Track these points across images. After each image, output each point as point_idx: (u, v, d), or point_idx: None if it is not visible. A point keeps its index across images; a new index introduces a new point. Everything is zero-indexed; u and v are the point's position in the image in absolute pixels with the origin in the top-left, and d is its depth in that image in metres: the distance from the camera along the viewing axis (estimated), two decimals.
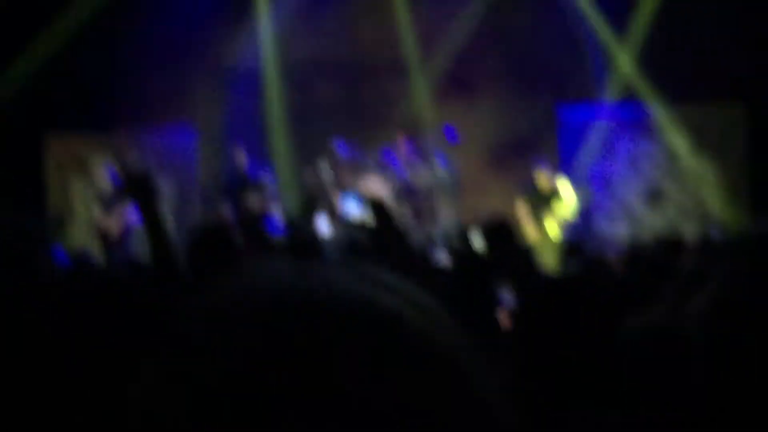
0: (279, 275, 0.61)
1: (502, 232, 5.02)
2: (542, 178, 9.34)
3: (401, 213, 9.57)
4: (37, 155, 10.96)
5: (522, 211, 9.12)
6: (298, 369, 0.54)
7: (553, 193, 9.23)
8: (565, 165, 10.46)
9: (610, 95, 10.85)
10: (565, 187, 9.27)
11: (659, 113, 10.38)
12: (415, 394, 0.55)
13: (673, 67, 10.24)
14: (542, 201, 9.18)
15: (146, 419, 0.57)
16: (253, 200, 9.72)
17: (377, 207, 3.33)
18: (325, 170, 10.05)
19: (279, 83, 11.58)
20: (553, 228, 9.04)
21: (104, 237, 9.70)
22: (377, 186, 9.79)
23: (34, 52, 10.71)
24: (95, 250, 9.47)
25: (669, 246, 5.60)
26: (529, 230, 8.92)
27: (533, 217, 9.08)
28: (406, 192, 9.93)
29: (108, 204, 9.84)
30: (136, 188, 2.77)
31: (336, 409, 0.54)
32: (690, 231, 9.31)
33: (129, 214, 9.38)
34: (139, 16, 11.08)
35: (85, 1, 10.78)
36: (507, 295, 4.09)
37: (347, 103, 11.50)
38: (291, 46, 11.48)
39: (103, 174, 10.08)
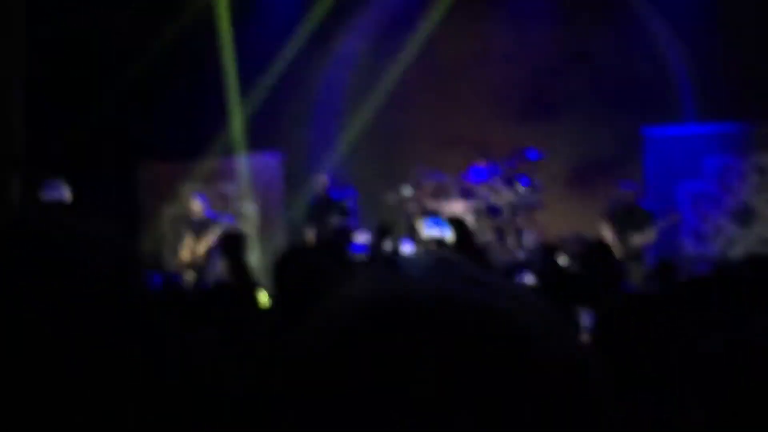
0: (401, 281, 0.62)
1: (602, 251, 4.99)
2: (628, 199, 9.16)
3: (483, 232, 9.56)
4: (132, 181, 11.29)
5: (607, 233, 8.98)
6: (415, 375, 0.55)
7: (638, 215, 9.04)
8: (651, 186, 10.26)
9: (697, 114, 10.63)
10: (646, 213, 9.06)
11: (749, 130, 10.10)
12: (525, 391, 0.55)
13: (762, 84, 9.97)
14: (627, 222, 9.00)
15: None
16: (336, 222, 9.83)
17: (456, 224, 3.37)
18: (408, 194, 10.10)
19: (361, 108, 11.68)
20: (638, 249, 8.86)
21: (193, 261, 9.93)
22: (459, 208, 9.79)
23: (131, 82, 11.07)
24: (184, 273, 9.71)
25: (760, 264, 5.44)
26: (616, 251, 8.73)
27: (618, 239, 8.91)
28: (490, 212, 9.90)
29: (197, 229, 10.08)
30: (228, 246, 2.99)
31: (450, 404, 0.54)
32: None
33: (217, 239, 9.59)
34: (234, 48, 11.38)
35: (177, 32, 11.10)
36: (587, 316, 4.05)
37: (430, 127, 11.52)
38: (373, 70, 11.58)
39: (194, 200, 10.33)
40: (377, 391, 0.55)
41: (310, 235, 9.89)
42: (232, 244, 3.11)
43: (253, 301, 3.08)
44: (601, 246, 4.96)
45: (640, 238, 8.87)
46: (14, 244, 0.85)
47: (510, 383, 0.55)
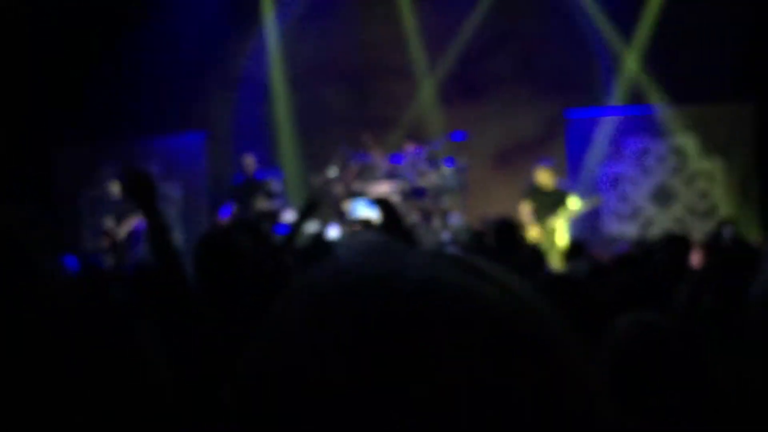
0: (375, 259, 0.61)
1: (509, 230, 5.06)
2: (544, 176, 9.23)
3: (409, 214, 9.63)
4: (47, 165, 11.06)
5: (525, 212, 9.09)
6: (404, 356, 0.54)
7: (557, 193, 9.18)
8: (573, 167, 10.48)
9: (617, 98, 10.87)
10: (572, 197, 9.19)
11: (667, 114, 10.36)
12: (514, 381, 0.54)
13: (680, 68, 10.22)
14: (546, 201, 9.11)
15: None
16: (260, 204, 9.78)
17: (383, 205, 3.37)
18: (333, 175, 10.10)
19: (286, 90, 11.64)
20: (558, 228, 9.00)
21: (113, 243, 9.76)
22: (384, 189, 9.83)
23: (47, 65, 10.82)
24: (105, 255, 9.53)
25: (677, 243, 5.59)
26: (532, 231, 8.88)
27: (538, 218, 9.03)
28: (415, 194, 9.97)
29: (118, 211, 9.91)
30: (136, 188, 2.87)
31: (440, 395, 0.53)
32: (699, 230, 9.31)
33: (138, 222, 9.45)
34: (152, 29, 11.14)
35: (102, 17, 10.88)
36: None
37: (355, 108, 11.53)
38: (298, 53, 11.52)
39: (113, 182, 10.15)
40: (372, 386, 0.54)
41: (231, 215, 9.83)
42: (136, 183, 2.89)
43: (179, 278, 2.99)
44: (507, 225, 5.02)
45: (557, 218, 9.00)
46: None
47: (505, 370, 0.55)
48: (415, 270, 0.59)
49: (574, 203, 9.08)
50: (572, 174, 10.42)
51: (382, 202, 3.42)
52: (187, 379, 2.55)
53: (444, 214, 9.90)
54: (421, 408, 0.53)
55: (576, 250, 6.23)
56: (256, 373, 0.59)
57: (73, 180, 11.14)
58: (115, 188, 10.02)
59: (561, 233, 8.94)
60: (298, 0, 11.51)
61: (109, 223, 9.96)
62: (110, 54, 11.06)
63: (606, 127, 10.49)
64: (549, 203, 9.05)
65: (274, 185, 10.02)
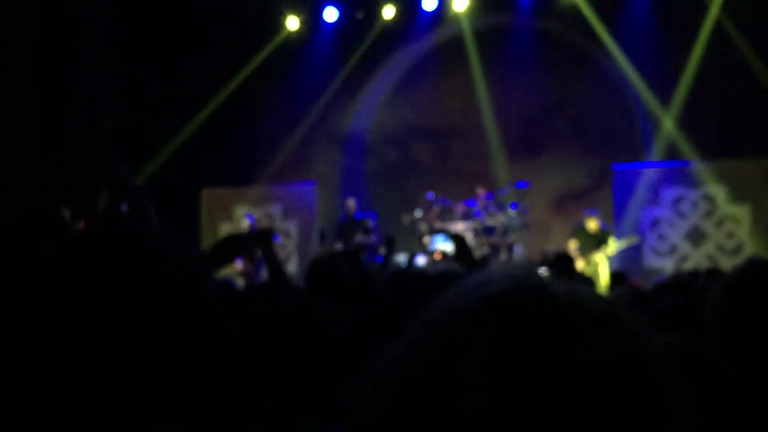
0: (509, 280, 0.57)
1: (564, 261, 4.98)
2: (590, 222, 9.26)
3: (480, 248, 9.58)
4: (194, 204, 11.38)
5: (572, 248, 9.06)
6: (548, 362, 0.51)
7: (600, 235, 9.18)
8: (618, 212, 10.23)
9: (656, 153, 10.63)
10: (610, 243, 9.18)
11: (699, 166, 10.06)
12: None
13: (710, 127, 9.95)
14: (590, 240, 9.11)
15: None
16: (359, 238, 9.87)
17: (458, 239, 3.38)
18: (419, 216, 10.16)
19: (382, 145, 11.76)
20: (600, 262, 8.96)
21: (244, 271, 9.99)
22: (460, 228, 9.83)
23: (192, 123, 11.23)
24: (236, 279, 9.75)
25: (708, 274, 5.41)
26: (579, 264, 8.83)
27: (582, 253, 9.01)
28: (486, 232, 9.92)
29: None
30: (257, 239, 3.03)
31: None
32: (726, 265, 8.94)
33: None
34: (272, 92, 11.49)
35: (229, 82, 11.26)
36: None
37: (438, 161, 11.57)
38: (393, 115, 11.67)
39: (244, 219, 10.41)
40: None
41: (338, 248, 9.94)
42: (261, 236, 3.05)
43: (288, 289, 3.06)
44: (563, 257, 4.94)
45: (599, 254, 8.98)
46: (111, 245, 0.86)
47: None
48: (559, 288, 0.57)
49: (613, 243, 9.09)
50: (618, 217, 10.18)
51: (456, 237, 3.43)
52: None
53: (510, 249, 9.81)
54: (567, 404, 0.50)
55: (618, 279, 6.06)
56: (410, 372, 0.54)
57: (214, 215, 11.42)
58: (245, 224, 10.26)
59: (603, 268, 8.86)
60: (394, 71, 11.69)
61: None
62: (248, 112, 11.42)
63: (647, 178, 10.23)
64: (592, 242, 9.09)
65: (371, 223, 10.11)
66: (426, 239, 9.82)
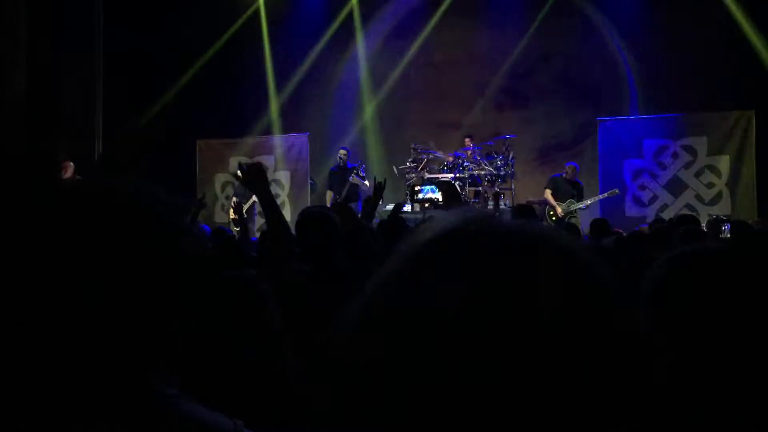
0: (472, 218, 0.57)
1: (527, 211, 5.02)
2: (568, 170, 9.55)
3: (468, 196, 9.59)
4: (191, 154, 11.35)
5: (548, 196, 9.43)
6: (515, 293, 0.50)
7: (575, 185, 9.51)
8: (602, 162, 10.22)
9: (640, 105, 10.58)
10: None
11: (681, 119, 10.04)
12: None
13: (691, 81, 9.89)
14: (568, 188, 9.43)
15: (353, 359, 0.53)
16: (350, 189, 9.84)
17: (445, 185, 3.39)
18: (408, 167, 10.13)
19: (372, 97, 11.67)
20: (573, 208, 9.36)
21: (238, 217, 9.98)
22: (448, 178, 9.82)
23: (191, 79, 11.12)
24: (231, 226, 9.77)
25: (687, 219, 5.49)
26: (558, 209, 9.32)
27: (557, 200, 9.35)
28: (472, 182, 9.91)
29: (241, 194, 10.13)
30: (250, 180, 2.94)
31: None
32: (704, 214, 9.01)
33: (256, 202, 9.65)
34: (272, 50, 11.33)
35: (226, 38, 11.08)
36: None
37: (427, 113, 11.50)
38: (383, 68, 11.54)
39: (239, 170, 10.35)
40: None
41: (329, 197, 9.94)
42: (251, 174, 2.96)
43: (287, 236, 3.03)
44: (526, 207, 4.99)
45: (575, 205, 9.35)
46: (101, 198, 0.86)
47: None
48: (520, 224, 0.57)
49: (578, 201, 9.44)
50: (601, 169, 10.18)
51: (442, 183, 3.43)
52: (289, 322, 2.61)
53: (496, 197, 9.83)
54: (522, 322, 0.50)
55: (600, 226, 6.07)
56: (395, 304, 0.53)
57: (210, 165, 11.40)
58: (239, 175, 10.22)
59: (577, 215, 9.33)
60: (383, 24, 11.52)
61: (233, 202, 10.19)
62: (241, 68, 11.28)
63: (629, 130, 10.21)
64: (569, 191, 9.41)
65: (361, 172, 10.07)
66: (416, 189, 9.81)
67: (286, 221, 3.04)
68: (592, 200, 9.49)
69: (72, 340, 0.79)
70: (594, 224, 6.18)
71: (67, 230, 0.81)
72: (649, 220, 8.90)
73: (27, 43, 7.66)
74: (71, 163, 9.16)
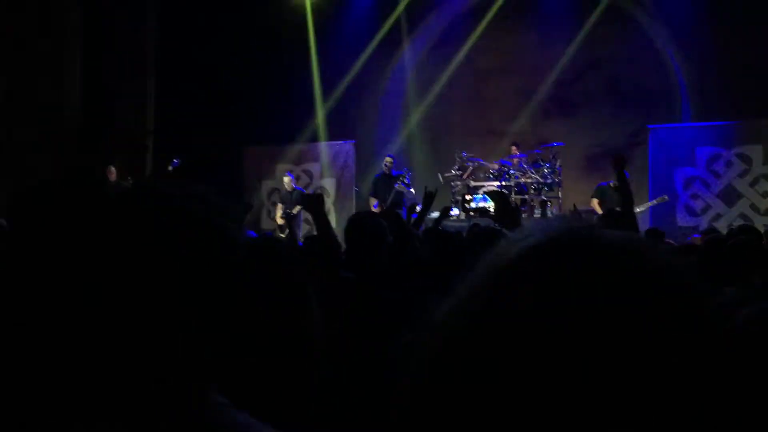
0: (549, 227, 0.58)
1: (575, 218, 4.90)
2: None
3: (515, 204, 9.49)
4: (239, 162, 11.47)
5: (594, 205, 9.17)
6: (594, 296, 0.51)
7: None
8: (653, 171, 9.98)
9: (692, 112, 10.31)
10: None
11: (736, 126, 9.73)
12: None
13: (749, 85, 9.58)
14: (615, 197, 9.05)
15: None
16: (395, 196, 9.83)
17: (499, 196, 3.32)
18: (454, 174, 10.08)
19: (418, 105, 11.65)
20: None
21: (283, 223, 10.08)
22: (494, 186, 9.74)
23: (239, 86, 11.24)
24: (276, 232, 9.85)
25: (743, 230, 5.26)
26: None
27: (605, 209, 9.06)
28: (518, 190, 9.80)
29: (287, 199, 10.21)
30: (310, 206, 3.20)
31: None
32: (760, 224, 8.69)
33: (300, 210, 9.77)
34: (312, 54, 11.41)
35: (273, 45, 11.18)
36: None
37: (473, 120, 11.41)
38: (428, 73, 11.51)
39: (285, 176, 10.45)
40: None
41: (372, 203, 9.95)
42: (312, 201, 3.19)
43: (336, 250, 3.13)
44: (574, 214, 4.85)
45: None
46: (152, 201, 0.85)
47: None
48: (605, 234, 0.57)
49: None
50: (652, 177, 9.94)
51: (498, 194, 3.37)
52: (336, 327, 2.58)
53: (543, 206, 9.69)
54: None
55: (655, 237, 5.88)
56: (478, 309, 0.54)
57: (257, 173, 11.50)
58: (286, 181, 10.31)
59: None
60: (430, 33, 11.50)
61: (280, 208, 10.28)
62: (289, 75, 11.38)
63: (682, 138, 9.94)
64: (615, 199, 8.96)
65: (407, 180, 10.05)
66: (467, 198, 9.75)
67: (335, 236, 3.11)
68: (642, 208, 9.21)
69: (129, 348, 0.78)
70: (647, 234, 6.01)
71: (124, 235, 0.81)
72: (702, 229, 8.65)
73: (83, 58, 7.91)
74: (113, 168, 9.36)
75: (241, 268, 0.86)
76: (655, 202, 9.25)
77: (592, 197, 9.33)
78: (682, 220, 9.74)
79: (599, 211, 9.15)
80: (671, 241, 6.39)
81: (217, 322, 0.82)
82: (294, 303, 1.51)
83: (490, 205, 8.85)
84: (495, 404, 0.50)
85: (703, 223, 9.51)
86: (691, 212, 9.79)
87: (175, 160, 7.97)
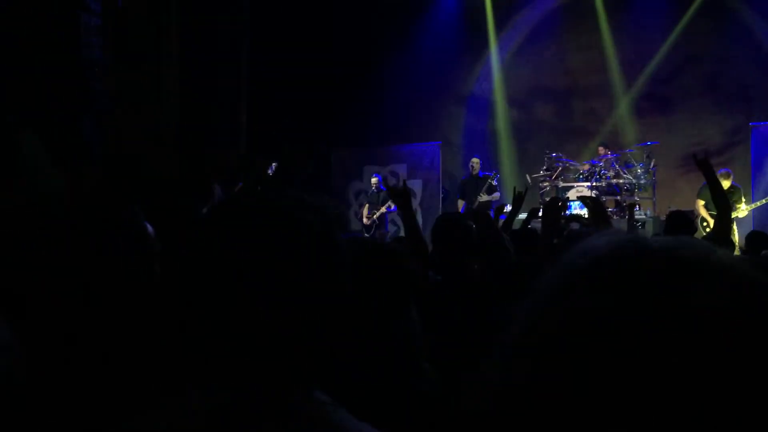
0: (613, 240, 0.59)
1: (683, 221, 4.68)
2: (723, 181, 8.58)
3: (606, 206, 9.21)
4: (327, 164, 11.67)
5: (699, 206, 8.59)
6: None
7: (733, 193, 8.49)
8: (756, 170, 9.45)
9: None
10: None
11: None
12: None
13: None
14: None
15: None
16: (483, 197, 9.74)
17: (594, 202, 3.27)
18: (543, 175, 9.90)
19: (506, 106, 11.50)
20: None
21: (370, 223, 10.18)
22: (584, 187, 9.48)
23: (326, 91, 11.44)
24: (363, 232, 9.98)
25: None
26: (709, 221, 8.38)
27: (709, 214, 8.46)
28: (609, 191, 9.51)
29: (373, 200, 10.30)
30: (397, 197, 3.23)
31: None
32: None
33: (387, 208, 9.83)
34: (404, 59, 11.45)
35: (360, 50, 11.31)
36: None
37: (561, 121, 11.17)
38: (516, 75, 11.35)
39: (372, 177, 10.56)
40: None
41: (460, 205, 9.89)
42: (399, 194, 3.22)
43: (423, 250, 3.14)
44: (681, 216, 4.62)
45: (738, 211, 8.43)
46: (255, 209, 0.88)
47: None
48: (658, 242, 0.58)
49: (744, 204, 8.54)
50: (755, 176, 9.41)
51: (592, 201, 3.32)
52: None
53: (631, 208, 9.34)
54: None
55: (760, 240, 5.55)
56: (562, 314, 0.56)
57: (345, 175, 11.66)
58: (374, 182, 10.41)
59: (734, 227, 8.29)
60: (517, 32, 11.33)
61: (367, 208, 10.39)
62: (374, 78, 11.48)
63: None
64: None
65: (494, 181, 9.93)
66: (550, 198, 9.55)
67: (423, 237, 3.11)
68: (746, 209, 8.66)
69: (243, 349, 0.82)
70: (750, 238, 5.69)
71: (233, 241, 0.84)
72: None
73: (180, 71, 8.22)
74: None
75: (350, 273, 0.89)
76: (763, 201, 8.69)
77: (698, 198, 8.76)
78: None
79: (703, 213, 8.60)
80: None
81: (325, 325, 0.84)
82: (395, 306, 1.52)
83: (584, 212, 8.59)
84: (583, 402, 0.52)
85: None
86: None
87: (273, 165, 8.18)
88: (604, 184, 9.46)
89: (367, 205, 10.45)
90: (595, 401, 0.51)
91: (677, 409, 0.50)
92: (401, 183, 9.96)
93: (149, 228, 1.22)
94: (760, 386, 0.50)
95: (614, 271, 0.55)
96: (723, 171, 8.80)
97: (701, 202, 8.67)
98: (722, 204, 3.59)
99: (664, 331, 0.51)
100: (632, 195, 9.42)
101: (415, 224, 3.16)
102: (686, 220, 4.70)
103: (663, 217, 8.47)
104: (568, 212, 9.17)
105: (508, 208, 5.09)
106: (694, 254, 0.55)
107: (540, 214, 7.44)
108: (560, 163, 9.90)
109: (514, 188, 4.73)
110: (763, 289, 0.54)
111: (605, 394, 0.51)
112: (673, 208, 8.83)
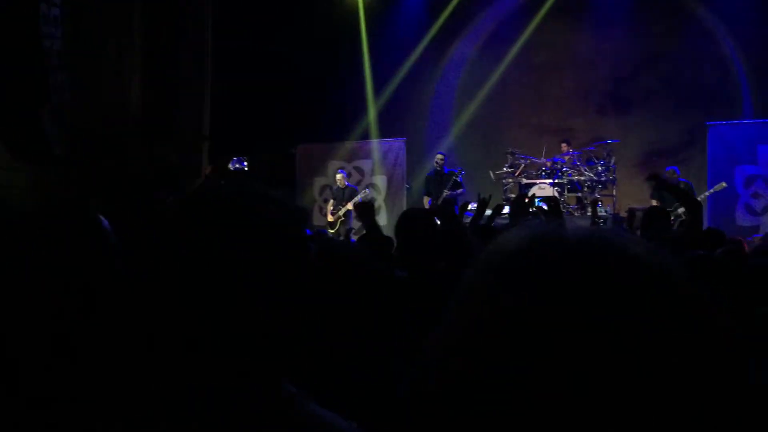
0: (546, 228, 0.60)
1: (661, 216, 4.79)
2: (669, 175, 8.89)
3: (567, 202, 9.35)
4: (291, 160, 11.61)
5: (653, 203, 8.76)
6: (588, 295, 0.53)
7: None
8: (713, 169, 9.70)
9: (755, 110, 9.97)
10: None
11: None
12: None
13: None
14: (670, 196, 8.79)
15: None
16: (446, 193, 9.80)
17: (554, 201, 3.35)
18: (505, 172, 10.00)
19: (469, 102, 11.58)
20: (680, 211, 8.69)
21: (335, 220, 10.16)
22: (546, 184, 9.61)
23: (292, 84, 11.35)
24: (328, 228, 9.96)
25: None
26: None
27: (664, 206, 8.70)
28: (571, 188, 9.66)
29: (339, 196, 10.29)
30: (362, 212, 3.40)
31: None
32: None
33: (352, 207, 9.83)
34: (364, 53, 11.44)
35: (325, 44, 11.26)
36: None
37: (525, 117, 11.29)
38: (480, 71, 11.44)
39: (337, 173, 10.54)
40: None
41: (425, 201, 9.94)
42: (364, 210, 3.25)
43: (387, 249, 3.18)
44: (656, 211, 4.72)
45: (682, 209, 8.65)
46: (215, 201, 0.89)
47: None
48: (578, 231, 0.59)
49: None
50: (711, 174, 9.67)
51: (553, 200, 3.41)
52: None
53: (593, 204, 9.52)
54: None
55: (715, 237, 5.67)
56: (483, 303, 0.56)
57: (309, 170, 11.61)
58: (338, 178, 10.39)
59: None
60: (481, 29, 11.43)
61: (332, 204, 10.37)
62: (339, 73, 11.46)
63: (743, 135, 9.64)
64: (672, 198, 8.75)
65: (459, 178, 10.00)
66: (513, 194, 9.65)
67: (390, 241, 3.18)
68: (701, 197, 8.90)
69: (215, 344, 0.82)
70: (708, 234, 5.81)
71: (196, 232, 0.84)
72: (764, 230, 8.38)
73: (143, 54, 8.10)
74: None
75: (310, 267, 0.89)
76: (713, 190, 9.04)
77: (651, 199, 9.04)
78: (742, 219, 9.47)
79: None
80: (741, 238, 6.18)
81: (289, 319, 0.85)
82: (358, 302, 1.54)
83: (544, 207, 8.73)
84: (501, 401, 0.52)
85: (765, 223, 9.22)
86: (752, 211, 9.50)
87: (234, 159, 8.12)
88: (565, 180, 9.62)
89: (332, 201, 10.44)
90: (510, 394, 0.51)
91: (591, 399, 0.50)
92: (368, 192, 9.97)
93: (105, 223, 1.21)
94: (673, 377, 0.51)
95: (526, 266, 0.55)
96: (670, 169, 9.07)
97: (654, 202, 8.89)
98: (691, 202, 3.67)
99: (576, 324, 0.51)
100: (593, 192, 9.59)
101: (377, 230, 3.23)
102: (664, 215, 4.79)
103: (623, 214, 8.66)
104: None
105: (473, 206, 5.14)
106: (611, 247, 0.56)
107: (506, 210, 7.52)
108: (523, 160, 10.03)
109: (479, 194, 4.77)
110: (667, 278, 0.54)
111: (520, 387, 0.51)
112: (635, 206, 9.07)
